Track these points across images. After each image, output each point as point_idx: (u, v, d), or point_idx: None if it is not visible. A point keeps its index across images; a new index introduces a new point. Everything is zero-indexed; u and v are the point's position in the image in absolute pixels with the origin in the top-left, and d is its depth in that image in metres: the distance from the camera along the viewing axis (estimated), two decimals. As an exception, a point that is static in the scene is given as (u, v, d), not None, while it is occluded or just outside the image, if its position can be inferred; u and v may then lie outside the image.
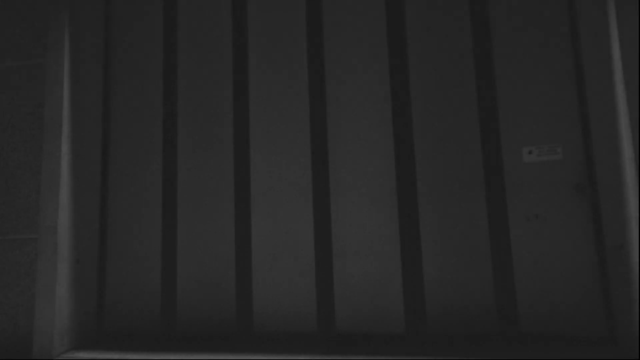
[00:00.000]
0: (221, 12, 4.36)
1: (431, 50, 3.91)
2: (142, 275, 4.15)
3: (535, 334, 3.46)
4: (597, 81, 3.39)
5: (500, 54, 3.76)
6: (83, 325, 3.96)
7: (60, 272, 3.70)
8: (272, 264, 3.98)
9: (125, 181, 4.28)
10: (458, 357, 3.16)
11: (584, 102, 3.52)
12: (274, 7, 4.26)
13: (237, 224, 4.08)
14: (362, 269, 3.81)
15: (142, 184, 4.25)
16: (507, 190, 3.61)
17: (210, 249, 4.09)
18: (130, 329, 4.10)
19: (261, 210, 4.05)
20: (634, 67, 3.06)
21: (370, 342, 3.65)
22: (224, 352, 3.50)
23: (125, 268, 4.19)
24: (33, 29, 4.07)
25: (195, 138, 4.25)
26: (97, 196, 4.24)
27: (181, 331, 4.03)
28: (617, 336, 3.23)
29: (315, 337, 3.79)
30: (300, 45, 4.16)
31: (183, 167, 4.24)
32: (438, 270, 3.67)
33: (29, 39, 4.07)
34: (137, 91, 4.39)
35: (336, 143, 4.00)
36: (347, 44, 4.08)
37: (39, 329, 3.62)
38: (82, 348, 3.82)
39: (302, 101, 4.09)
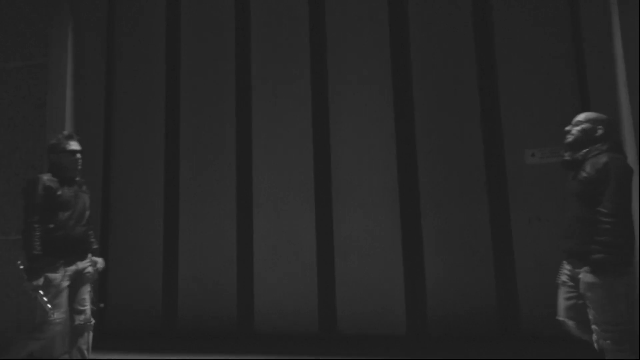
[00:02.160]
0: (225, 14, 4.35)
1: (434, 52, 3.90)
2: (143, 275, 4.14)
3: (537, 335, 3.46)
4: (600, 84, 3.38)
5: (502, 57, 3.74)
6: None
7: None
8: (273, 264, 3.97)
9: (127, 180, 4.28)
10: (458, 358, 3.16)
11: (587, 104, 3.51)
12: (276, 8, 4.25)
13: (238, 224, 4.08)
14: (363, 270, 3.81)
15: (144, 183, 4.24)
16: (509, 192, 3.60)
17: (212, 249, 4.08)
18: (132, 328, 4.10)
19: (263, 210, 4.04)
20: (637, 70, 3.05)
21: (371, 343, 3.65)
22: (225, 352, 3.49)
23: (126, 267, 4.18)
24: (36, 29, 4.06)
25: (197, 138, 4.24)
26: (99, 195, 4.23)
27: (182, 331, 4.02)
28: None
29: (317, 338, 3.79)
30: (302, 47, 4.15)
31: (185, 166, 4.23)
32: (440, 271, 3.66)
33: (32, 39, 4.05)
34: (140, 91, 4.38)
35: (338, 143, 3.98)
36: (350, 46, 4.07)
37: (41, 328, 3.61)
38: (84, 348, 3.80)
39: (305, 101, 4.07)
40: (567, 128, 2.34)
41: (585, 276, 2.14)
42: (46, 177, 2.72)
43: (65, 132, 2.84)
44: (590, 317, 2.15)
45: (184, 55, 4.35)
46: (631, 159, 3.07)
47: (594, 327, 2.15)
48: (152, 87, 4.37)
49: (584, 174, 2.16)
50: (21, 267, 2.64)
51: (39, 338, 2.63)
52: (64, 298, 2.68)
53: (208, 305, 4.01)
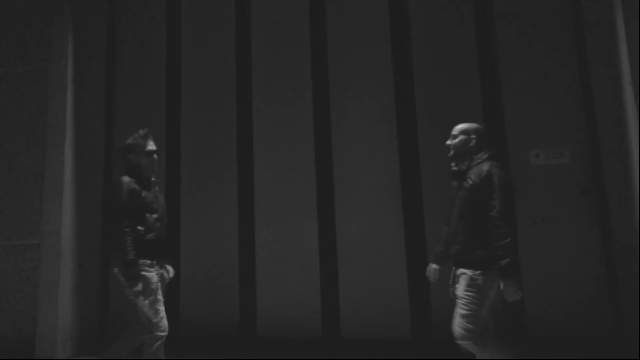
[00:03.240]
0: (225, 16, 4.33)
1: (435, 53, 3.86)
2: (145, 280, 4.09)
3: (543, 338, 3.41)
4: (604, 83, 3.35)
5: (505, 56, 3.71)
6: (86, 331, 3.92)
7: (63, 277, 3.65)
8: (276, 268, 3.93)
9: (129, 185, 4.23)
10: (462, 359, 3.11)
11: (591, 103, 3.47)
12: (276, 8, 4.25)
13: (240, 230, 4.04)
14: (367, 274, 3.75)
15: (145, 189, 4.20)
16: (514, 194, 3.50)
17: (213, 253, 4.04)
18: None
19: (265, 216, 4.00)
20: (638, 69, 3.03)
21: (375, 347, 3.60)
22: (227, 356, 3.45)
23: (128, 273, 4.13)
24: (38, 33, 4.05)
25: (198, 142, 4.21)
26: (100, 201, 4.20)
27: (183, 335, 3.98)
28: (626, 338, 3.18)
29: (320, 342, 3.74)
30: (303, 49, 4.11)
31: (186, 171, 4.19)
32: (444, 274, 3.55)
33: (34, 43, 4.04)
34: (140, 95, 4.35)
35: (340, 146, 3.94)
36: (351, 48, 4.03)
37: (42, 335, 3.57)
38: (85, 354, 3.77)
39: (306, 103, 4.04)
40: (447, 142, 2.50)
41: (467, 277, 2.27)
42: (128, 179, 2.60)
43: (142, 132, 2.72)
44: (459, 316, 2.30)
45: (185, 58, 4.33)
46: (634, 159, 3.04)
47: (457, 327, 2.29)
48: (152, 90, 4.34)
49: (469, 182, 2.31)
50: (118, 274, 2.53)
51: (157, 337, 2.54)
52: (161, 299, 2.58)
53: (210, 310, 3.97)
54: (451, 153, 2.48)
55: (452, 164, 2.47)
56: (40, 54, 4.01)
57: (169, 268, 2.79)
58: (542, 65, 3.64)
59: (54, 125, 3.87)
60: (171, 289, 4.06)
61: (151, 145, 2.70)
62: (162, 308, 2.57)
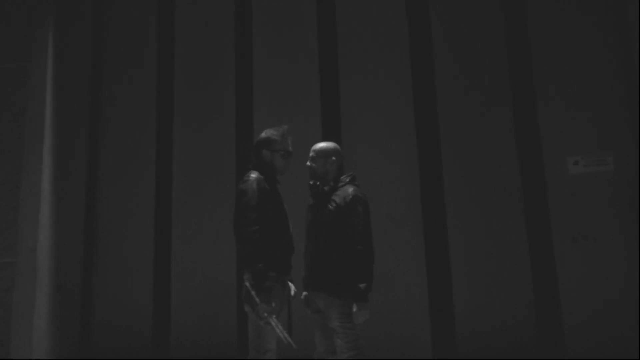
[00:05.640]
0: (223, 11, 4.04)
1: (460, 47, 3.57)
2: (132, 299, 3.77)
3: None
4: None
5: (538, 51, 3.41)
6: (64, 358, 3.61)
7: (39, 300, 3.37)
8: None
9: (114, 195, 3.92)
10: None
11: (636, 103, 3.19)
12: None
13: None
14: (384, 294, 3.45)
15: (133, 198, 3.89)
16: (550, 207, 3.26)
17: (208, 270, 3.71)
18: (119, 354, 3.72)
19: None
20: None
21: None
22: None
23: (113, 292, 3.81)
24: (20, 32, 3.79)
25: (192, 149, 3.90)
26: (82, 213, 3.89)
27: (175, 357, 3.64)
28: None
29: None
30: (310, 46, 3.82)
31: (179, 179, 3.87)
32: (470, 294, 3.31)
33: (15, 42, 3.77)
34: (129, 96, 4.05)
35: (352, 152, 3.66)
36: (365, 46, 3.75)
37: (15, 364, 3.27)
38: (64, 387, 3.45)
39: (313, 108, 3.74)
40: (307, 164, 2.51)
41: (339, 306, 2.28)
42: (259, 177, 2.28)
43: (282, 128, 2.44)
44: (340, 344, 2.29)
45: (178, 60, 4.05)
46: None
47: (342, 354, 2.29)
48: (142, 94, 4.04)
49: (334, 204, 2.35)
50: (250, 288, 2.17)
51: None
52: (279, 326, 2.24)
53: (204, 331, 3.65)
54: (311, 174, 2.49)
55: (312, 182, 2.47)
56: (22, 54, 3.74)
57: (291, 285, 2.44)
58: (582, 61, 3.35)
59: (32, 130, 3.60)
60: (160, 308, 3.74)
61: (290, 146, 2.46)
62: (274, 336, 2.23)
